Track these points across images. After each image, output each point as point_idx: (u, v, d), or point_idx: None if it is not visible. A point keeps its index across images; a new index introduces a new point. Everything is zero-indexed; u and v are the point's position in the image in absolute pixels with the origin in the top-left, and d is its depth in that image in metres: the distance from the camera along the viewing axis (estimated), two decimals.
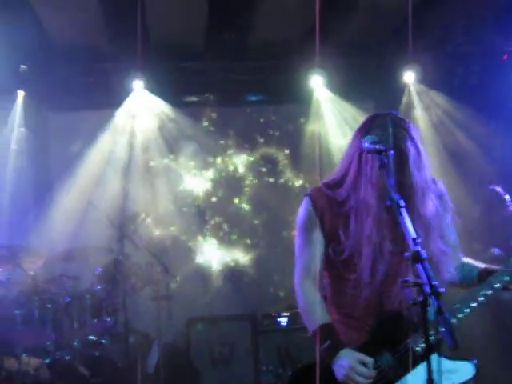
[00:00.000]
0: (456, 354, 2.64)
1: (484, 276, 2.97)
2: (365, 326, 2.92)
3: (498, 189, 6.48)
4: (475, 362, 2.80)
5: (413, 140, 2.86)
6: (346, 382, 2.74)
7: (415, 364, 2.74)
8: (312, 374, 2.77)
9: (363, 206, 2.88)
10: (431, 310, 2.31)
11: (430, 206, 2.92)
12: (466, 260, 3.20)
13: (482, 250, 6.49)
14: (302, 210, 3.09)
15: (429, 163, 2.94)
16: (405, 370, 2.75)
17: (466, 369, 2.78)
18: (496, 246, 6.37)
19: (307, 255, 3.03)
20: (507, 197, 6.53)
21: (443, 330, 2.24)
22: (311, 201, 3.04)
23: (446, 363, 2.66)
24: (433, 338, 2.34)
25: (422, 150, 2.89)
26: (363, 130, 2.94)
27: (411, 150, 2.83)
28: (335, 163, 7.58)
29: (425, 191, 2.90)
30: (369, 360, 2.77)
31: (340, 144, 7.72)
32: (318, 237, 3.01)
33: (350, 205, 2.92)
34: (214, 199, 7.96)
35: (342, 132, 7.74)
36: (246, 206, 8.05)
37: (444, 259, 2.94)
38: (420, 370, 2.65)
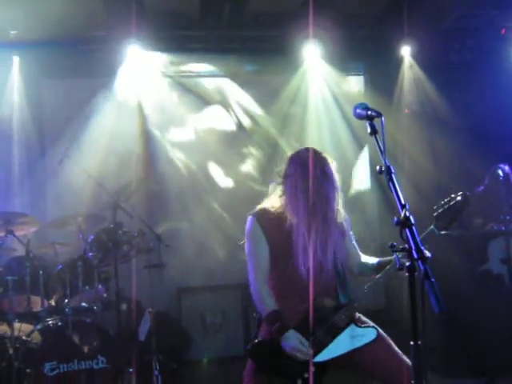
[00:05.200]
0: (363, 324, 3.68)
1: (379, 267, 3.73)
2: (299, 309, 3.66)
3: (506, 168, 6.59)
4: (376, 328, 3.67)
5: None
6: (291, 354, 3.53)
7: (338, 334, 3.61)
8: (265, 347, 3.65)
9: None
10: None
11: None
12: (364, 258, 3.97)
13: (481, 225, 6.70)
14: None
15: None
16: (332, 338, 3.60)
17: (370, 333, 3.63)
18: (493, 222, 6.53)
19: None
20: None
21: (430, 294, 2.27)
22: None
23: (357, 330, 3.62)
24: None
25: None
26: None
27: None
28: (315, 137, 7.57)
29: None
30: (305, 341, 3.54)
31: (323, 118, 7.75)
32: None
33: None
34: (207, 170, 7.93)
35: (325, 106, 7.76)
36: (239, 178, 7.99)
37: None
38: (341, 338, 3.60)
